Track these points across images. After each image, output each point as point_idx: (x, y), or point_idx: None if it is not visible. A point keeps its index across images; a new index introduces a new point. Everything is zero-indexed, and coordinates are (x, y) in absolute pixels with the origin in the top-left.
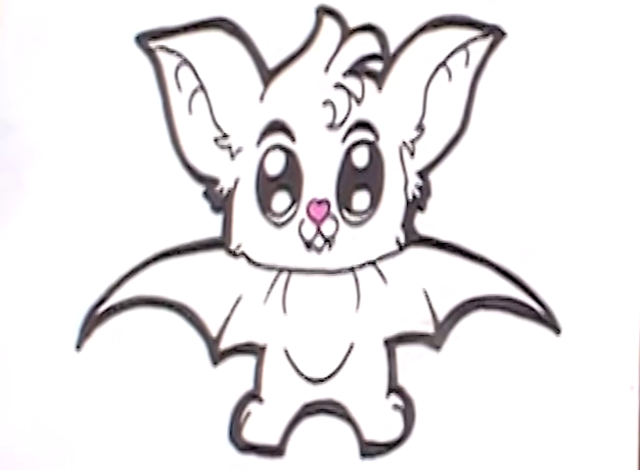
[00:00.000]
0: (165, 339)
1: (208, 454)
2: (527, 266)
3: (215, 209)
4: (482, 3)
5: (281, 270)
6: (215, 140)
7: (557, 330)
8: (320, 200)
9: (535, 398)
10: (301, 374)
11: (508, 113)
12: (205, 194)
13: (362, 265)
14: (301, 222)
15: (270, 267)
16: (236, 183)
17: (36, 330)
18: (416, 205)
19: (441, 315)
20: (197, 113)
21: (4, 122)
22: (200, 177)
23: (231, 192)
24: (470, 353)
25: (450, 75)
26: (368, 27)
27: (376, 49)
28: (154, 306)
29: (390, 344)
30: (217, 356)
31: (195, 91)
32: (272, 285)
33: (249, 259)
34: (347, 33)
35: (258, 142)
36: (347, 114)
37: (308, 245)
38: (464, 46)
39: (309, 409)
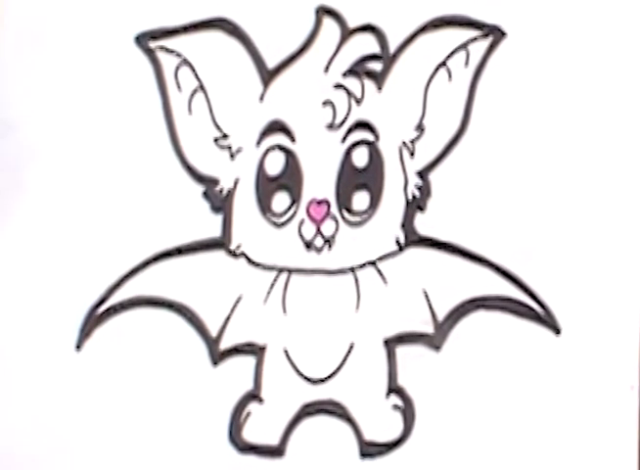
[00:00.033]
0: (165, 339)
1: (208, 454)
2: (527, 266)
3: (215, 209)
4: (482, 3)
5: (281, 270)
6: (215, 140)
7: (557, 330)
8: (320, 200)
9: (535, 398)
10: (301, 374)
11: (508, 113)
12: (205, 194)
13: (362, 265)
14: (301, 222)
15: (270, 267)
16: (236, 183)
17: (36, 330)
18: (416, 205)
19: (441, 315)
20: (197, 113)
21: (4, 122)
22: (200, 177)
23: (231, 192)
24: (470, 354)
25: (450, 75)
26: (368, 28)
27: (376, 49)
28: (154, 306)
29: (390, 344)
30: (217, 356)
31: (195, 91)
32: (272, 285)
33: (249, 260)
34: (347, 33)
35: (258, 142)
36: (347, 114)
37: (308, 245)
38: (464, 46)
39: (309, 409)
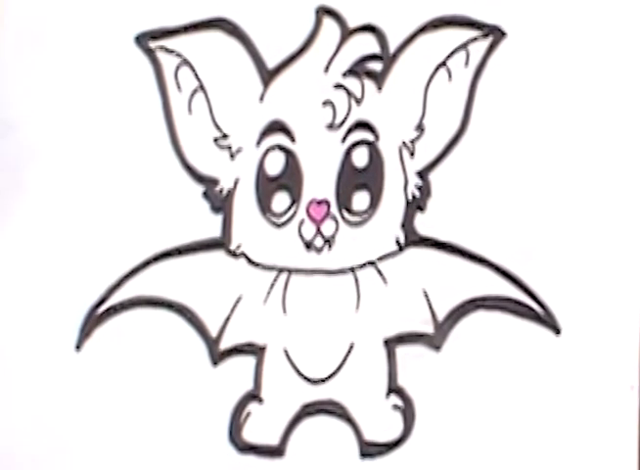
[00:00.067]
0: (165, 339)
1: (208, 454)
2: (527, 266)
3: (215, 209)
4: (482, 3)
5: (281, 270)
6: (215, 140)
7: (557, 330)
8: (320, 200)
9: (535, 398)
10: (301, 374)
11: (508, 113)
12: (205, 194)
13: (362, 265)
14: (301, 222)
15: (270, 267)
16: (236, 183)
17: (36, 330)
18: (416, 205)
19: (441, 315)
20: (197, 113)
21: (4, 122)
22: (200, 177)
23: (231, 192)
24: (470, 354)
25: (450, 75)
26: (368, 28)
27: (376, 49)
28: (154, 307)
29: (390, 344)
30: (217, 356)
31: (195, 91)
32: (272, 285)
33: (249, 260)
34: (347, 34)
35: (258, 142)
36: (347, 114)
37: (308, 245)
38: (464, 46)
39: (309, 409)
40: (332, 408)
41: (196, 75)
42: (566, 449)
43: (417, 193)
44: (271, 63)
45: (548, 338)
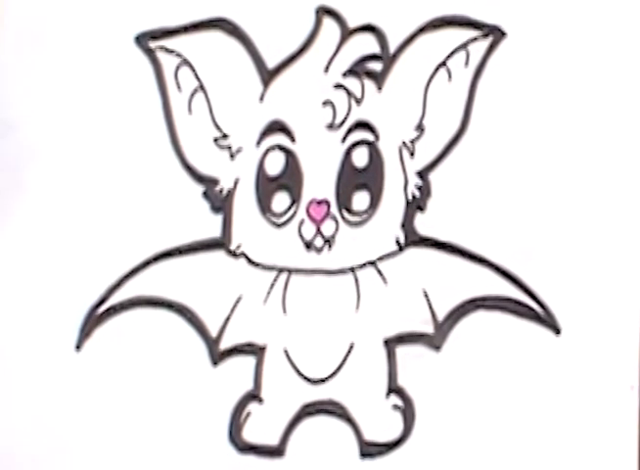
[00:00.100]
0: (165, 339)
1: (208, 454)
2: (527, 266)
3: (215, 209)
4: (482, 3)
5: (281, 270)
6: (215, 140)
7: (557, 330)
8: (320, 200)
9: (535, 398)
10: (301, 374)
11: (508, 113)
12: (205, 194)
13: (362, 265)
14: (301, 222)
15: (270, 267)
16: (236, 183)
17: (36, 330)
18: (416, 205)
19: (441, 315)
20: (197, 113)
21: (4, 122)
22: (200, 177)
23: (231, 192)
24: (470, 354)
25: (450, 75)
26: (368, 28)
27: (376, 49)
28: (154, 307)
29: (390, 344)
30: (217, 356)
31: (195, 91)
32: (272, 285)
33: (249, 260)
34: (347, 34)
35: (258, 142)
36: (347, 114)
37: (308, 245)
38: (464, 46)
39: (309, 409)
40: (332, 408)
41: (196, 75)
42: (566, 449)
43: (417, 193)
44: (271, 63)
45: (548, 338)
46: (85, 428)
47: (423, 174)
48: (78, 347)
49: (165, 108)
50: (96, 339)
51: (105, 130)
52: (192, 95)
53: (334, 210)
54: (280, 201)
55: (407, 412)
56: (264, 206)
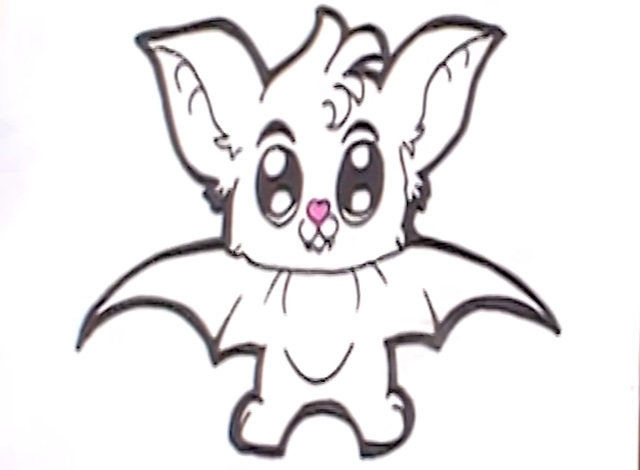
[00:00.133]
0: (165, 339)
1: (208, 454)
2: (527, 266)
3: (215, 209)
4: (482, 3)
5: (281, 270)
6: (215, 140)
7: (557, 330)
8: (320, 200)
9: (535, 398)
10: (301, 374)
11: (508, 113)
12: (205, 194)
13: (362, 265)
14: (301, 223)
15: (270, 267)
16: (236, 183)
17: (36, 330)
18: (416, 205)
19: (441, 315)
20: (197, 113)
21: (4, 122)
22: (200, 177)
23: (231, 192)
24: (470, 354)
25: (450, 75)
26: (368, 28)
27: (376, 49)
28: (154, 306)
29: (390, 344)
30: (217, 356)
31: (195, 91)
32: (272, 285)
33: (249, 260)
34: (347, 33)
35: (258, 142)
36: (347, 114)
37: (308, 245)
38: (464, 46)
39: (309, 409)
40: (332, 408)
41: (196, 75)
42: (566, 449)
43: (417, 193)
44: (271, 63)
45: (548, 338)
46: (85, 428)
47: (423, 174)
48: (78, 347)
49: (165, 108)
50: (96, 339)
51: (105, 130)
52: (192, 95)
53: (334, 210)
54: (280, 201)
55: (407, 412)
56: (264, 206)
